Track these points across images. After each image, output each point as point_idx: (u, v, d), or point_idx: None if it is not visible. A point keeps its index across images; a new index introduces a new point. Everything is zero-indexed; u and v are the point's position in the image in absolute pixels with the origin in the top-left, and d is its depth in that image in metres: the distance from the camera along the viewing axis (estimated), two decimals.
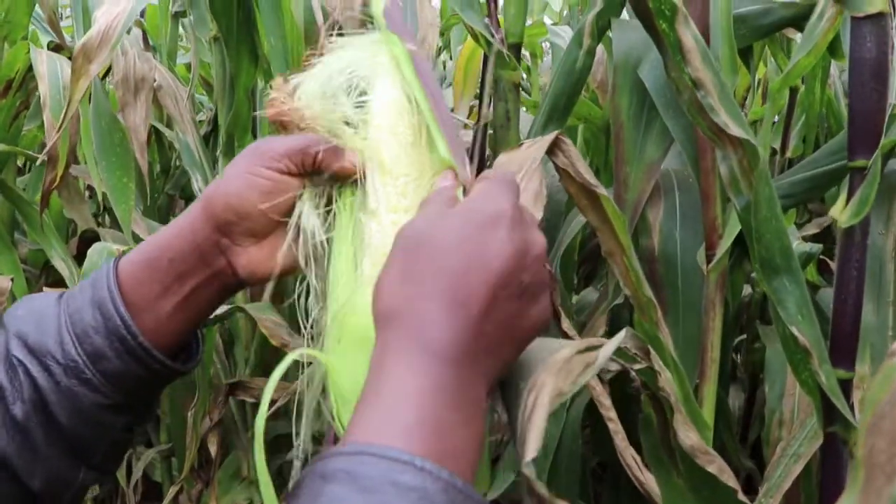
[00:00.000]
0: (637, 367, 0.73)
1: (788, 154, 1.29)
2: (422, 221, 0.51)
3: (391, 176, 0.57)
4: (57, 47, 1.70)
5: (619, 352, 0.74)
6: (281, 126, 0.61)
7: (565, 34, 1.61)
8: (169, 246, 0.58)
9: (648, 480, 0.76)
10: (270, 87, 0.61)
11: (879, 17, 0.71)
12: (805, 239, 1.32)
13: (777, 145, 1.31)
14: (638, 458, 0.77)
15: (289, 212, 0.58)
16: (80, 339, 0.56)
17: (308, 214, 0.58)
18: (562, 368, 0.51)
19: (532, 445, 0.45)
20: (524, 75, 2.11)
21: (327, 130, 0.59)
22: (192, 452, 1.41)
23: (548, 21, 2.34)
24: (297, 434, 0.54)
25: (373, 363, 0.46)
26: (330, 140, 0.58)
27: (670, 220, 0.94)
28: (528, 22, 1.43)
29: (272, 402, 0.57)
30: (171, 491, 1.50)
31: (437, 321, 0.45)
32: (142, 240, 1.38)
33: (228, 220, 0.57)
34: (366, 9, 0.62)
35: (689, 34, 0.69)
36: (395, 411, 0.43)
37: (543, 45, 2.28)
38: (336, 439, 0.52)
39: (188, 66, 2.30)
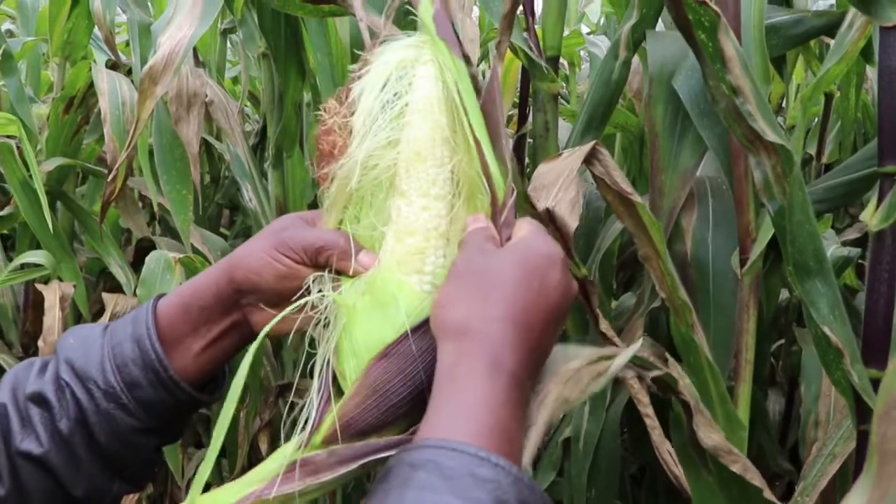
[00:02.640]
0: (654, 373, 0.76)
1: (824, 159, 1.30)
2: (478, 255, 0.57)
3: (424, 164, 0.62)
4: (113, 66, 1.78)
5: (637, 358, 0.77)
6: (325, 153, 0.65)
7: (602, 44, 1.64)
8: (199, 294, 0.66)
9: (683, 475, 0.78)
10: (321, 109, 0.66)
11: None
12: (846, 243, 1.33)
13: (813, 151, 1.32)
14: (674, 453, 0.79)
15: (298, 290, 0.63)
16: (119, 369, 0.63)
17: (313, 294, 0.63)
18: (571, 378, 0.57)
19: (528, 452, 0.53)
20: (563, 84, 2.13)
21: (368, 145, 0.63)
22: (243, 451, 1.47)
23: (585, 30, 2.37)
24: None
25: (445, 370, 0.53)
26: (344, 244, 0.62)
27: (703, 225, 0.96)
28: (566, 32, 1.46)
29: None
30: None
31: (510, 343, 0.53)
32: (197, 249, 1.46)
33: (246, 289, 0.64)
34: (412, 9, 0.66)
35: (730, 43, 0.71)
36: (472, 415, 0.50)
37: (581, 53, 2.31)
38: (331, 394, 0.58)
39: (233, 81, 2.38)
